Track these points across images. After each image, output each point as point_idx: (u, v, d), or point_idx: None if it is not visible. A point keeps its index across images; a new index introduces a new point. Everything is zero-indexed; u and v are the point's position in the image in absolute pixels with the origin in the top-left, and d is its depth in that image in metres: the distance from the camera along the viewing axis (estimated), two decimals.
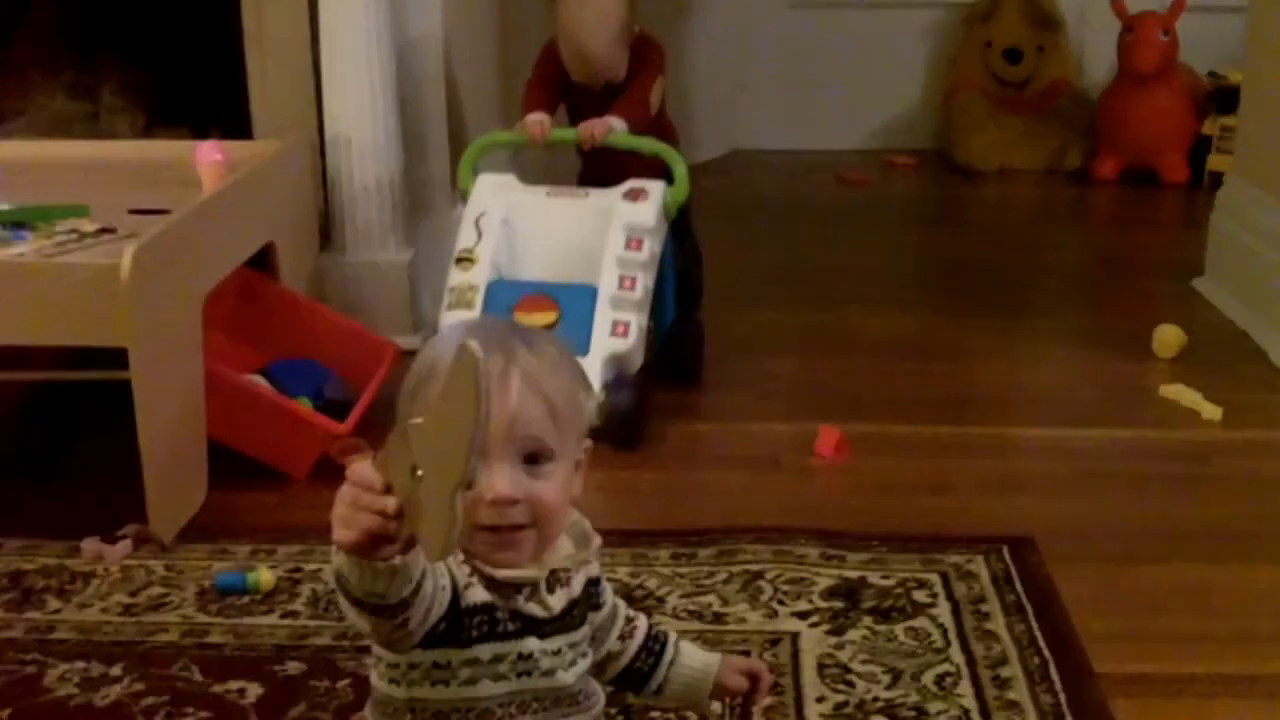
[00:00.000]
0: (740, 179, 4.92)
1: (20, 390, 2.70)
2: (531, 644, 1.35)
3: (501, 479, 1.29)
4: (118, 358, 2.21)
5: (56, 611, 2.09)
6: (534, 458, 1.30)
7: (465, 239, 2.72)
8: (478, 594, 1.32)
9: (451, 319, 2.55)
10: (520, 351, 1.30)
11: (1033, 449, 2.68)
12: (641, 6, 3.94)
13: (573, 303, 2.64)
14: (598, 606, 1.48)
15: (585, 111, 2.88)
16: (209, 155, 2.59)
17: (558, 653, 1.38)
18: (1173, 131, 4.75)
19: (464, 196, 2.80)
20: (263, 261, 2.71)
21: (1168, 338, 3.09)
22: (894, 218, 4.49)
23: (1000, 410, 2.87)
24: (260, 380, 2.58)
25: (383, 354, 2.72)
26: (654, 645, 1.57)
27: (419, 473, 1.08)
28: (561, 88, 2.92)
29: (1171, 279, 3.70)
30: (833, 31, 5.24)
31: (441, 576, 1.26)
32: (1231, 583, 2.18)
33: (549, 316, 2.61)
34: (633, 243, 2.69)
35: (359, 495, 1.10)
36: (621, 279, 2.66)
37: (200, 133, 2.95)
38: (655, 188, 2.76)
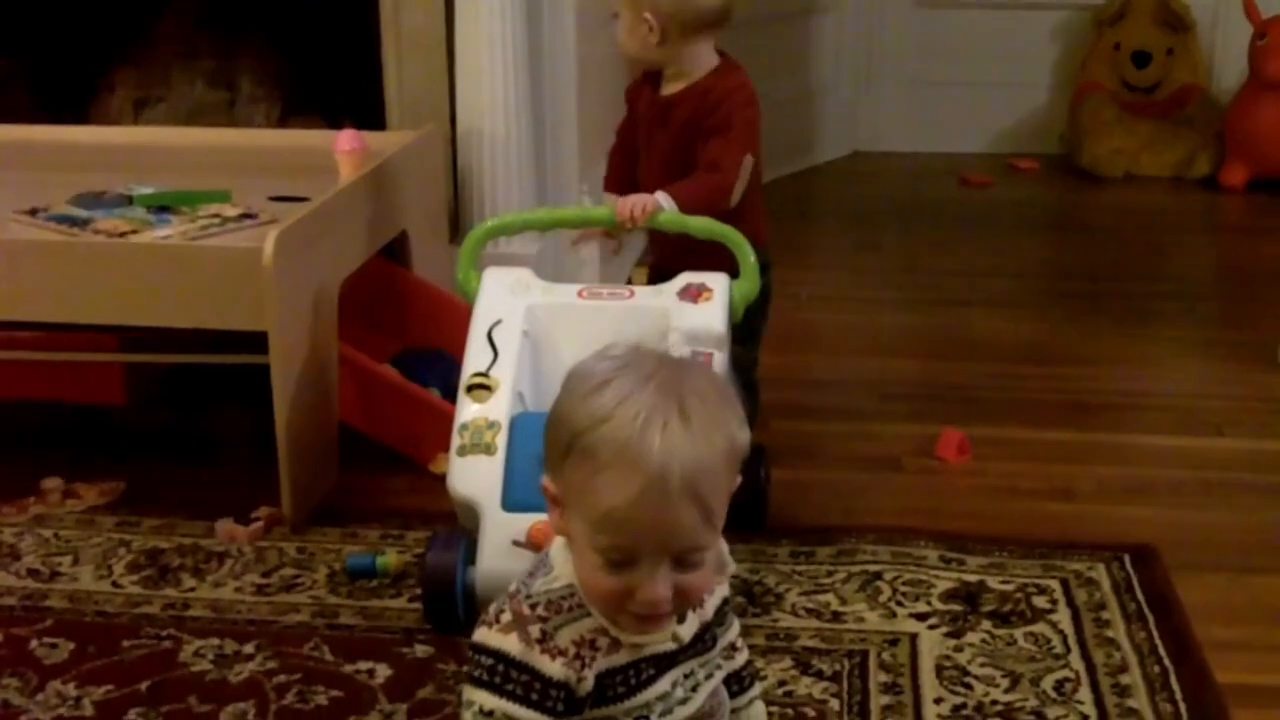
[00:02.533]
0: (862, 180, 4.91)
1: (160, 372, 2.77)
2: (663, 684, 1.33)
3: (653, 585, 1.24)
4: (254, 342, 2.27)
5: (192, 589, 2.16)
6: (687, 559, 1.25)
7: (476, 359, 2.10)
8: (609, 659, 1.30)
9: (464, 467, 2.01)
10: (676, 435, 1.21)
11: (1157, 457, 2.66)
12: (766, 6, 3.90)
13: None
14: (726, 623, 1.45)
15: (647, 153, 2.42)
16: (347, 144, 2.64)
17: (690, 675, 1.36)
18: None
19: (466, 297, 2.21)
20: (396, 251, 2.76)
21: None
22: (1017, 221, 4.45)
23: (1124, 417, 2.85)
24: (391, 369, 2.63)
25: None
26: (744, 678, 1.49)
27: None
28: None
29: None
30: (958, 32, 5.20)
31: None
32: None
33: None
34: (699, 357, 2.03)
35: None
36: None
37: (333, 123, 3.00)
38: (719, 282, 2.17)
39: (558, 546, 1.33)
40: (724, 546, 1.39)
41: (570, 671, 1.27)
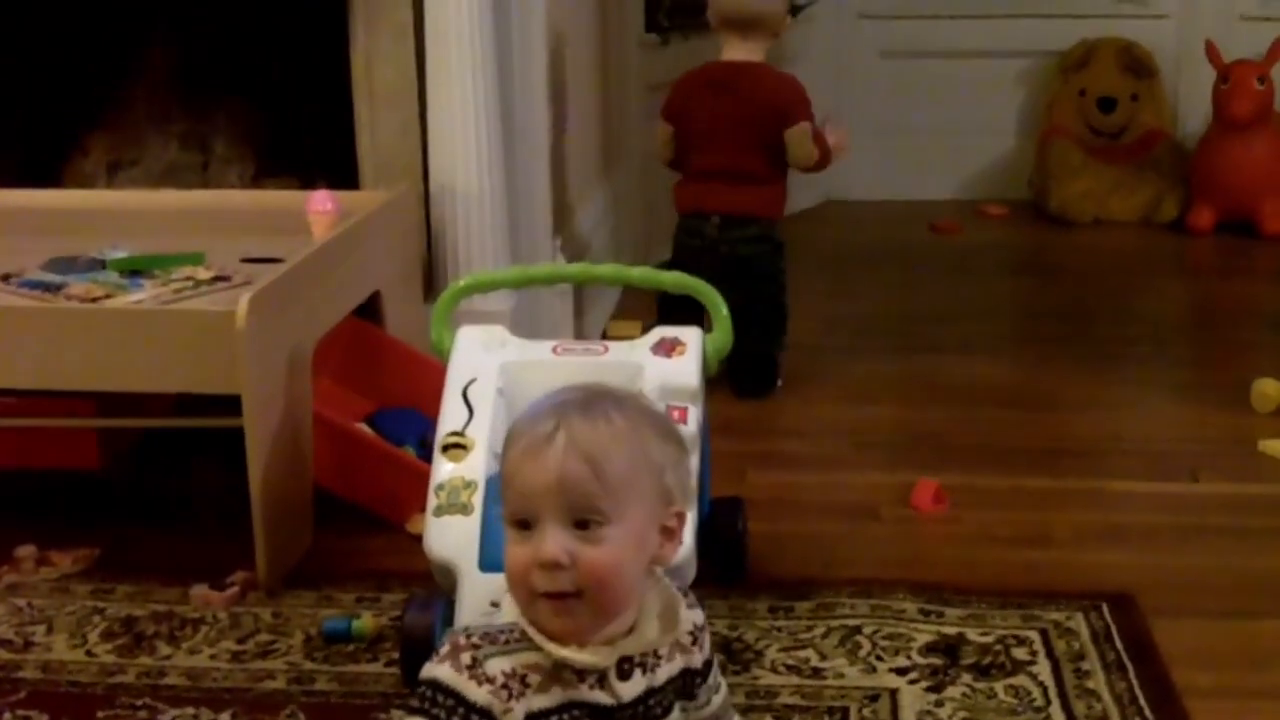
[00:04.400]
0: (834, 228, 4.93)
1: (134, 437, 2.76)
2: None
3: (547, 541, 1.28)
4: (227, 404, 2.26)
5: (167, 657, 2.14)
6: (584, 522, 1.29)
7: (451, 418, 2.08)
8: (536, 700, 1.31)
9: (440, 527, 1.98)
10: (574, 418, 1.31)
11: (1132, 502, 2.67)
12: None
13: None
14: (693, 696, 1.44)
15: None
16: (321, 205, 2.64)
17: None
18: (1269, 181, 4.70)
19: (440, 355, 2.21)
20: (369, 310, 2.76)
21: (1267, 391, 3.07)
22: (988, 267, 4.48)
23: (1098, 462, 2.86)
24: (366, 428, 2.62)
25: None
26: None
27: None
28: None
29: (1269, 331, 3.68)
30: (925, 80, 5.24)
31: None
32: None
33: None
34: (674, 413, 2.02)
35: None
36: None
37: (307, 182, 3.01)
38: (692, 337, 2.16)
39: (507, 596, 1.36)
40: (680, 604, 1.40)
41: (495, 700, 1.29)
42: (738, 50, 3.31)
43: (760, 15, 3.29)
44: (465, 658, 1.31)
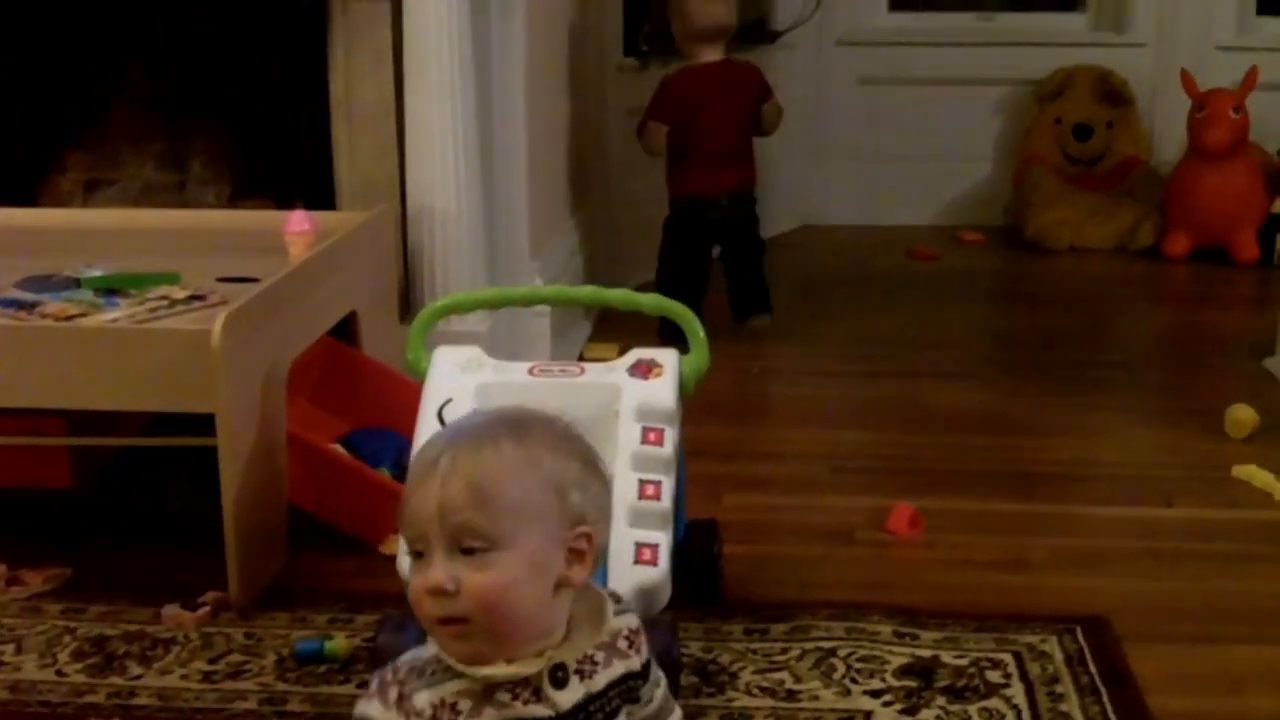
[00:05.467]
0: (812, 254, 4.94)
1: (105, 455, 2.74)
2: None
3: (433, 567, 1.28)
4: (201, 423, 2.25)
5: (138, 677, 2.12)
6: (470, 549, 1.28)
7: (426, 437, 2.06)
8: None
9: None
10: (462, 444, 1.31)
11: (1107, 526, 2.67)
12: None
13: None
14: (635, 699, 1.42)
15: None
16: (298, 225, 2.64)
17: None
18: (1243, 210, 4.74)
19: (416, 376, 2.19)
20: (346, 330, 2.75)
21: (1241, 417, 3.09)
22: (964, 293, 4.49)
23: (1074, 487, 2.87)
24: (341, 448, 2.62)
25: None
26: None
27: None
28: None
29: (1243, 358, 3.69)
30: (903, 107, 5.28)
31: None
32: None
33: None
34: (650, 434, 2.03)
35: None
36: (642, 485, 2.00)
37: (283, 203, 3.00)
38: (669, 358, 2.15)
39: None
40: (608, 607, 1.40)
41: None
42: (711, 53, 3.90)
43: (731, 26, 3.96)
44: (392, 693, 1.32)
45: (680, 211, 3.91)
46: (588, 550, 1.35)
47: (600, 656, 1.37)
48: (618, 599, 1.43)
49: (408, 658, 1.35)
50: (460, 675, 1.31)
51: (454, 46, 2.88)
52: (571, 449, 1.36)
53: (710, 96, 3.85)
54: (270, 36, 3.09)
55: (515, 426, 1.34)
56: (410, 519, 1.31)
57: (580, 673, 1.35)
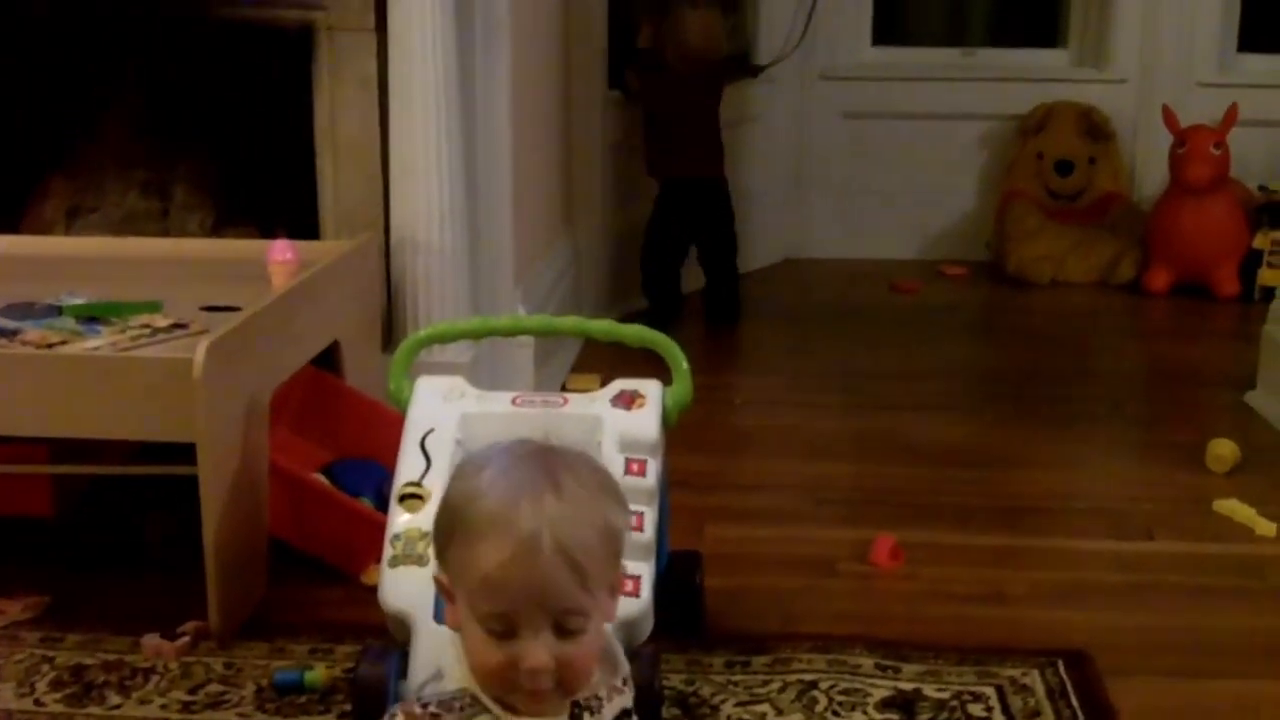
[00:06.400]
0: (794, 287, 4.95)
1: (88, 484, 2.73)
2: None
3: (535, 651, 1.25)
4: (182, 452, 2.25)
5: (117, 707, 2.11)
6: (566, 624, 1.27)
7: (409, 468, 2.07)
8: None
9: (396, 578, 1.97)
10: (549, 504, 1.26)
11: (1088, 560, 2.68)
12: None
13: None
14: None
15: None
16: (281, 254, 2.64)
17: None
18: (1224, 245, 4.76)
19: (399, 406, 2.20)
20: (328, 360, 2.75)
21: (1222, 452, 3.09)
22: (947, 327, 4.51)
23: (1055, 521, 2.87)
24: (322, 478, 2.61)
25: None
26: None
27: None
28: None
29: (1224, 392, 3.70)
30: (886, 141, 5.29)
31: None
32: None
33: None
34: (633, 465, 2.06)
35: None
36: None
37: (267, 232, 3.00)
38: (652, 389, 2.17)
39: (449, 659, 1.34)
40: (618, 649, 1.41)
41: None
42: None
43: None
44: None
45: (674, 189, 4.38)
46: (618, 588, 1.35)
47: (603, 693, 1.37)
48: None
49: (432, 693, 1.33)
50: (486, 710, 1.30)
51: (439, 77, 2.88)
52: (617, 490, 1.36)
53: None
54: (255, 65, 3.09)
55: (577, 476, 1.30)
56: (505, 594, 1.25)
57: (589, 709, 1.35)
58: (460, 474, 1.34)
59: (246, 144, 3.19)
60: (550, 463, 1.31)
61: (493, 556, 1.25)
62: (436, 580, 1.33)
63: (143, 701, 2.13)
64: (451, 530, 1.29)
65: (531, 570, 1.24)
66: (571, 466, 1.31)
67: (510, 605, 1.25)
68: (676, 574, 2.27)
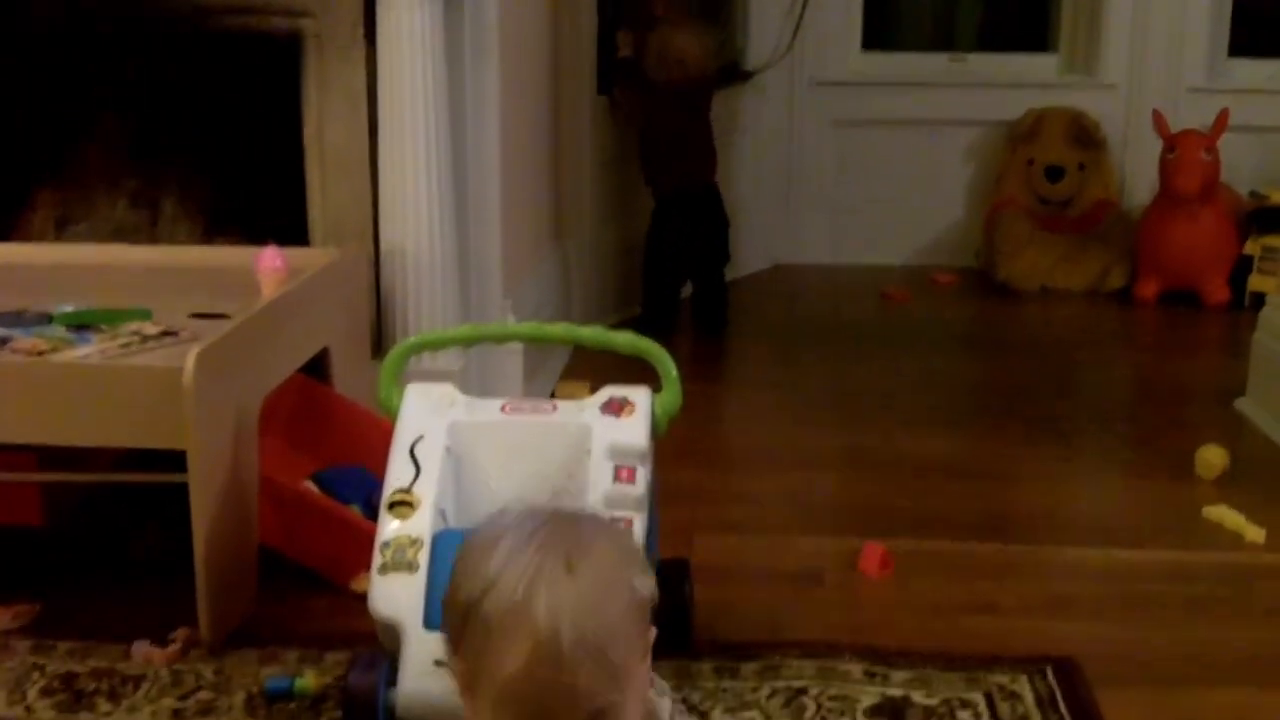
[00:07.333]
0: (783, 294, 4.96)
1: (78, 492, 2.73)
2: None
3: None
4: (172, 460, 2.25)
5: (107, 714, 2.12)
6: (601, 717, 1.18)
7: (398, 475, 2.09)
8: None
9: (385, 585, 1.98)
10: (565, 591, 1.17)
11: (1077, 569, 2.68)
12: None
13: None
14: None
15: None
16: (270, 262, 2.64)
17: None
18: (1215, 252, 4.77)
19: (388, 414, 2.21)
20: (317, 368, 2.75)
21: (1211, 459, 3.10)
22: (937, 336, 4.51)
23: (1044, 530, 2.87)
24: (312, 486, 2.61)
25: None
26: None
27: None
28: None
29: (1214, 400, 3.71)
30: (876, 148, 5.30)
31: None
32: (1277, 707, 2.18)
33: None
34: (622, 473, 2.07)
35: None
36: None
37: (255, 242, 3.00)
38: (640, 397, 2.18)
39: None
40: (662, 706, 1.35)
41: None
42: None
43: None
44: None
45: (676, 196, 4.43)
46: (648, 649, 1.26)
47: None
48: (652, 680, 1.36)
49: None
50: None
51: (428, 88, 2.89)
52: (636, 553, 1.28)
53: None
54: (244, 76, 3.09)
55: (587, 551, 1.21)
56: (521, 704, 1.17)
57: None
58: (467, 557, 1.23)
59: (235, 154, 3.19)
60: (562, 538, 1.21)
61: (509, 661, 1.16)
62: (450, 671, 1.24)
63: (133, 709, 2.13)
64: (462, 625, 1.20)
65: (554, 673, 1.15)
66: (585, 537, 1.22)
67: (534, 714, 1.17)
68: (665, 582, 2.26)
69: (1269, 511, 2.86)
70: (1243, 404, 3.60)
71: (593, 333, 2.27)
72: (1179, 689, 2.23)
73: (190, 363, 2.19)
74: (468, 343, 2.57)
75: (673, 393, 2.21)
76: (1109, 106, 5.17)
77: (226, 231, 3.21)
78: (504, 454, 2.15)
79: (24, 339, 2.42)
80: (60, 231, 3.24)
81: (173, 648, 2.27)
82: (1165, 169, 4.77)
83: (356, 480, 2.63)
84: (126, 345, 2.41)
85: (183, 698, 2.16)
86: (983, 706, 2.13)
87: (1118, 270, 4.95)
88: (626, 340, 2.26)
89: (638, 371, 2.27)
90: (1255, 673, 2.29)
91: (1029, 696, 2.15)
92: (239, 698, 2.16)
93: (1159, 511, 2.96)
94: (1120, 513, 2.96)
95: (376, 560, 2.01)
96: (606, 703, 1.17)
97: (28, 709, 2.13)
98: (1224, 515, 2.86)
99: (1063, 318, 4.75)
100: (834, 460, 3.29)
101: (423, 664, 1.93)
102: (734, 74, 4.87)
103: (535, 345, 3.40)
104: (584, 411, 2.16)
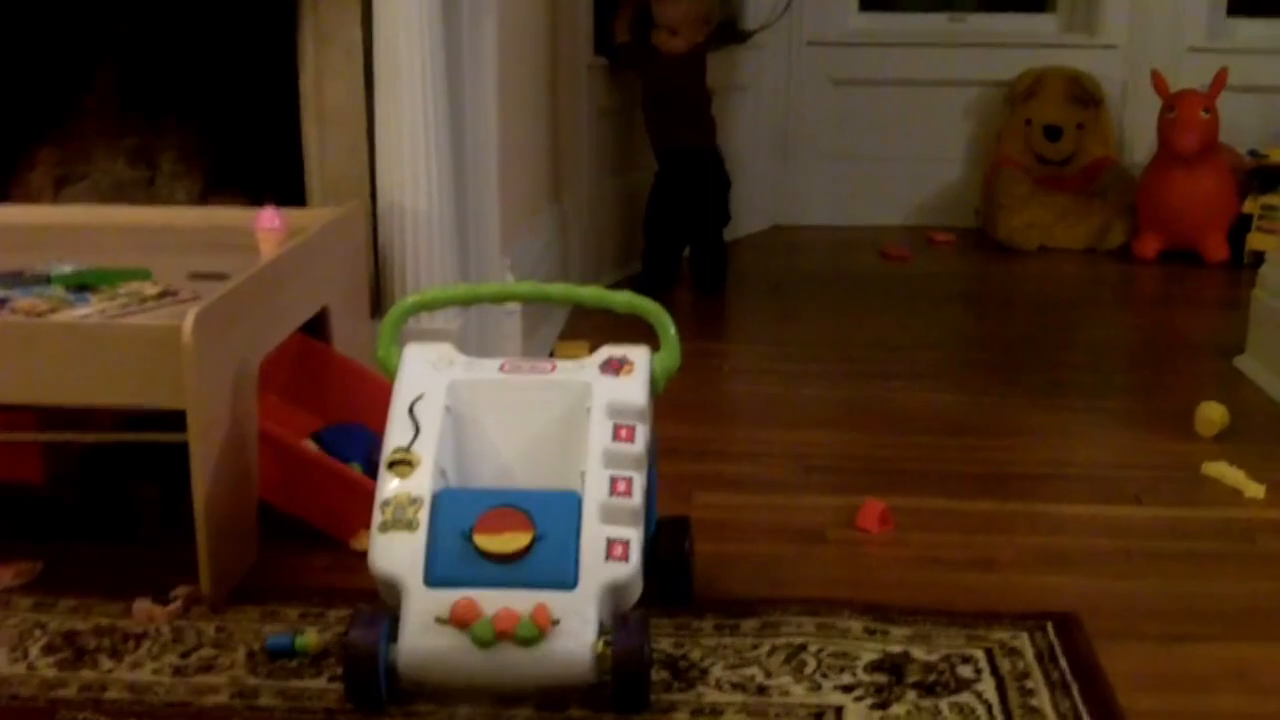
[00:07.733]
0: (782, 254, 4.96)
1: (78, 451, 2.74)
2: None
3: None
4: (173, 419, 2.25)
5: (109, 671, 2.12)
6: None
7: (398, 434, 2.07)
8: None
9: (385, 543, 1.99)
10: None
11: (1077, 526, 2.68)
12: None
13: (550, 517, 1.98)
14: None
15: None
16: (269, 221, 2.64)
17: None
18: (1214, 210, 4.77)
19: (387, 373, 2.20)
20: (317, 327, 2.75)
21: (1210, 416, 3.10)
22: (935, 294, 4.51)
23: (1043, 486, 2.87)
24: (312, 444, 2.61)
25: None
26: None
27: None
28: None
29: (1213, 357, 3.72)
30: (875, 108, 5.30)
31: None
32: (1277, 662, 2.18)
33: (521, 539, 1.96)
34: (622, 431, 2.05)
35: None
36: (613, 481, 2.01)
37: (255, 200, 2.99)
38: (640, 356, 2.17)
39: None
40: None
41: None
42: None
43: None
44: None
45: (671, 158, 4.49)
46: None
47: None
48: None
49: None
50: None
51: (425, 44, 2.88)
52: None
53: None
54: (241, 33, 3.08)
55: None
56: None
57: None
58: None
59: (233, 111, 3.18)
60: None
61: None
62: None
63: (135, 665, 2.13)
64: None
65: None
66: None
67: None
68: (665, 539, 2.28)
69: (1268, 467, 2.87)
70: (1242, 361, 3.60)
71: (591, 292, 2.26)
72: (1179, 644, 2.23)
73: (189, 322, 2.19)
74: (466, 302, 2.56)
75: (671, 352, 2.21)
76: (1109, 67, 5.16)
77: (225, 188, 3.20)
78: (503, 413, 2.14)
79: (23, 299, 2.42)
80: (59, 189, 3.23)
81: (174, 605, 2.28)
82: (1164, 128, 4.77)
83: (356, 438, 2.63)
84: (125, 305, 2.40)
85: (184, 655, 2.16)
86: (983, 662, 2.13)
87: (1117, 228, 4.95)
88: (625, 300, 2.26)
89: (637, 331, 2.27)
90: (1254, 627, 2.29)
91: (1029, 651, 2.16)
92: (240, 654, 2.16)
93: (1158, 468, 2.96)
94: (1119, 469, 2.96)
95: (377, 518, 2.01)
96: None
97: (29, 666, 2.13)
98: (1223, 471, 2.86)
99: (1062, 276, 4.75)
100: (834, 416, 3.29)
101: (424, 621, 1.94)
102: (731, 34, 4.85)
103: (534, 305, 3.40)
104: (583, 370, 2.15)
